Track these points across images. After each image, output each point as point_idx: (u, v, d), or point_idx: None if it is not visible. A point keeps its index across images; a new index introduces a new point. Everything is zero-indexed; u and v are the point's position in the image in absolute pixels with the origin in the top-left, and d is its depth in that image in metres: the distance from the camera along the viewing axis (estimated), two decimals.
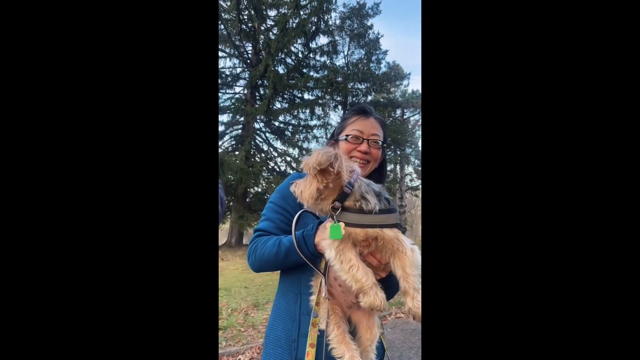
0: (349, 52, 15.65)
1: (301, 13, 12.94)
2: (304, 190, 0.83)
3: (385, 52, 16.14)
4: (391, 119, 16.25)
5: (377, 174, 1.15)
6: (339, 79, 13.51)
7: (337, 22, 14.96)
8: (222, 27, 12.62)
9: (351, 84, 14.52)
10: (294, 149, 14.16)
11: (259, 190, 12.85)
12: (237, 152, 13.15)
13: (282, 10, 13.29)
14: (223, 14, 12.49)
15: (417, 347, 3.66)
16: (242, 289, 6.14)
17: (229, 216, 12.91)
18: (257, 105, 12.86)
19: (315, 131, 14.50)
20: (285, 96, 14.21)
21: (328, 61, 14.24)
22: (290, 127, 14.79)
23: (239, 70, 14.81)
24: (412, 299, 0.78)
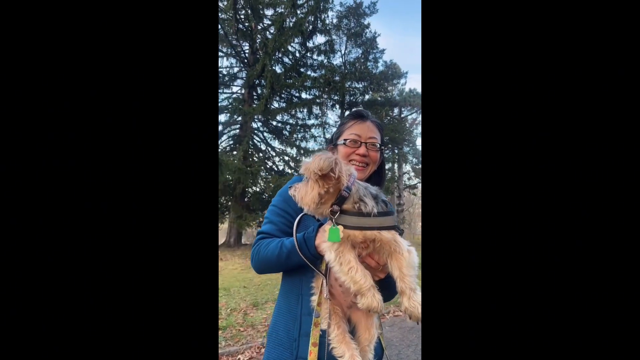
0: (346, 51, 15.67)
1: (298, 12, 12.88)
2: (305, 195, 0.85)
3: (382, 51, 16.20)
4: (389, 117, 16.29)
5: (377, 176, 1.17)
6: (337, 78, 13.46)
7: (334, 21, 14.96)
8: (220, 26, 12.57)
9: (348, 83, 14.49)
10: (292, 148, 14.12)
11: (257, 190, 12.81)
12: (235, 152, 13.10)
13: (279, 10, 13.22)
14: (220, 14, 12.43)
15: (415, 344, 3.70)
16: (241, 289, 6.14)
17: (227, 216, 12.91)
18: (254, 105, 12.79)
19: (313, 130, 14.48)
20: (282, 95, 14.15)
21: (325, 60, 14.21)
22: (288, 127, 14.75)
23: (236, 69, 14.76)
24: (409, 299, 0.81)
